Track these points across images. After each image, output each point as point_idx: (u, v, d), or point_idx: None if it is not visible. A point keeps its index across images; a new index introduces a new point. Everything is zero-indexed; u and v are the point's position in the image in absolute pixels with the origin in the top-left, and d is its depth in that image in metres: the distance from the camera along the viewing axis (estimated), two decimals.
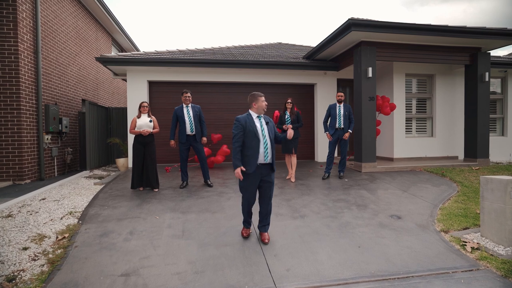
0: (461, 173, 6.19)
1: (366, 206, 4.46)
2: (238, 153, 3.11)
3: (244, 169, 3.08)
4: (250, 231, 3.47)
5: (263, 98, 3.24)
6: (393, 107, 7.00)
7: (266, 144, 3.16)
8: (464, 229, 3.59)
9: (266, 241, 3.26)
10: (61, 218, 3.89)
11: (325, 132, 6.05)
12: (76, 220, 3.84)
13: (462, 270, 2.76)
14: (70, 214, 4.03)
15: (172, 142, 5.41)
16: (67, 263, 2.82)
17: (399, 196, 4.94)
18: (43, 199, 4.72)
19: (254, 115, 3.23)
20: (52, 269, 2.70)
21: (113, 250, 3.08)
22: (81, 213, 4.12)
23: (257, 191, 3.30)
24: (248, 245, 3.22)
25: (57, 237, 3.30)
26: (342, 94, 5.97)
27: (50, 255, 2.94)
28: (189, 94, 5.35)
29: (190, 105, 5.38)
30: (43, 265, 2.77)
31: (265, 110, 3.25)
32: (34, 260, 2.85)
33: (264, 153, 3.15)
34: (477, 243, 3.14)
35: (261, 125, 3.19)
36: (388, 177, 6.13)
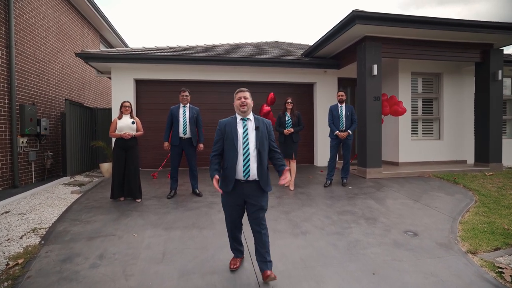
0: (475, 180, 5.69)
1: (375, 220, 3.93)
2: (213, 163, 2.47)
3: (217, 177, 2.38)
4: (239, 264, 2.73)
5: (239, 94, 2.50)
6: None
7: (247, 156, 2.41)
8: (494, 249, 3.06)
9: (269, 280, 2.40)
10: (21, 237, 3.30)
11: (334, 132, 5.43)
12: (38, 240, 3.26)
13: None
14: (33, 232, 3.45)
15: (166, 144, 4.89)
16: None
17: (411, 207, 4.42)
18: (7, 212, 4.13)
19: (238, 117, 2.53)
20: None
21: (74, 282, 2.50)
22: (46, 230, 3.54)
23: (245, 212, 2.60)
24: (240, 273, 2.66)
25: (7, 264, 2.72)
26: (343, 93, 5.45)
27: None
28: (187, 93, 4.84)
29: (188, 105, 4.88)
30: None
31: (242, 110, 2.46)
32: None
33: (244, 168, 2.41)
34: None
35: (244, 131, 2.46)
36: (395, 184, 5.61)
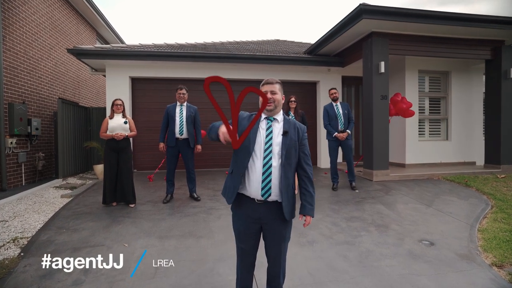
0: (487, 183, 5.40)
1: (387, 227, 3.64)
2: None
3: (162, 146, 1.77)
4: None
5: (265, 87, 1.89)
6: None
7: (269, 168, 1.78)
8: None
9: None
10: None
11: (333, 135, 5.10)
12: (18, 251, 2.96)
13: None
14: (13, 242, 3.15)
15: (161, 145, 4.60)
16: None
17: (424, 212, 4.13)
18: None
19: (262, 115, 1.90)
20: None
21: None
22: (28, 239, 3.23)
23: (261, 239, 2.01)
24: None
25: None
26: (335, 90, 5.15)
27: None
28: (184, 91, 4.55)
29: (185, 104, 4.58)
30: None
31: (268, 108, 1.84)
32: None
33: (263, 184, 1.78)
34: None
35: (267, 134, 1.84)
36: (404, 187, 5.32)
